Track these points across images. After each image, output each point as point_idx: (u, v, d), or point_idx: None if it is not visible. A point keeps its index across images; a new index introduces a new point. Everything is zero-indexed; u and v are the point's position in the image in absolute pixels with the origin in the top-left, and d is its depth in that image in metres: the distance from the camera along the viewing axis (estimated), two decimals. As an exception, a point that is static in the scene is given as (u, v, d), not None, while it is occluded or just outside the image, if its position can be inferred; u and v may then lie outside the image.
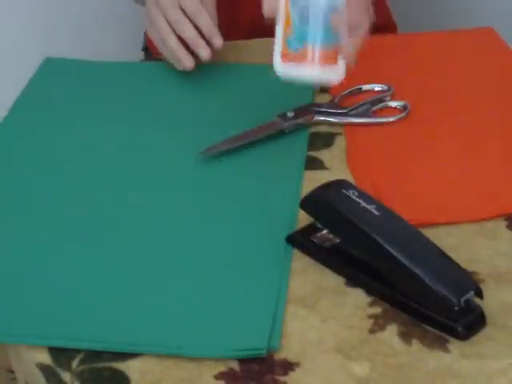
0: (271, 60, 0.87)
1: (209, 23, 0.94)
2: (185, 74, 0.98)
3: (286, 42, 0.74)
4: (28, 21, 1.54)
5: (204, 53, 0.93)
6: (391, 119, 0.92)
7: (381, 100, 0.95)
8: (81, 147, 0.88)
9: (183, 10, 0.93)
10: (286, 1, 0.74)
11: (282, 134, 0.88)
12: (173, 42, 0.94)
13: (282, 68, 0.75)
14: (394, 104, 0.94)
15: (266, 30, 0.93)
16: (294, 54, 0.74)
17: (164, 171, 0.84)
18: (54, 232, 0.75)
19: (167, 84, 1.01)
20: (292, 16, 0.73)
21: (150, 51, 1.29)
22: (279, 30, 0.75)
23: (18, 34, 1.54)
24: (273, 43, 0.76)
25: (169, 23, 0.94)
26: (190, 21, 0.93)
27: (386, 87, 0.96)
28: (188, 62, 0.94)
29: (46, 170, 0.84)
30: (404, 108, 0.93)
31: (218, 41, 0.94)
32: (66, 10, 1.57)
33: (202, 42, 0.93)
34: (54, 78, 1.02)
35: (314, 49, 0.73)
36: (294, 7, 0.73)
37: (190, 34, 0.93)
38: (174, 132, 0.90)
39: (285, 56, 0.74)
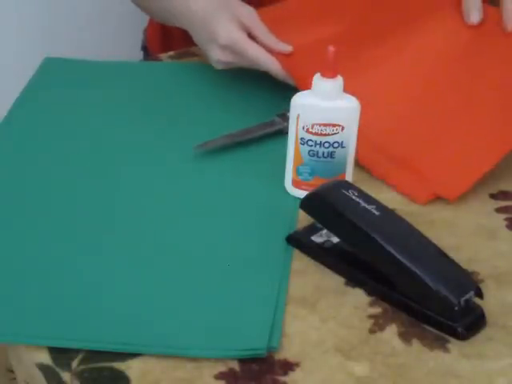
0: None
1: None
2: (184, 73, 0.98)
3: (297, 170, 0.78)
4: (28, 21, 1.54)
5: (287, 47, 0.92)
6: None
7: None
8: (80, 146, 0.88)
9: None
10: (295, 134, 0.77)
11: (281, 133, 0.88)
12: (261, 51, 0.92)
13: (294, 192, 0.80)
14: None
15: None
16: (305, 184, 0.79)
17: (164, 171, 0.84)
18: (54, 232, 0.75)
19: (166, 83, 1.01)
20: (302, 150, 0.77)
21: (148, 51, 1.29)
22: (290, 153, 0.78)
23: (17, 34, 1.54)
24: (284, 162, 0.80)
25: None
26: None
27: None
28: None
29: (45, 169, 0.84)
30: None
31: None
32: (65, 10, 1.57)
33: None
34: (54, 78, 1.02)
35: (323, 178, 0.77)
36: (303, 144, 0.77)
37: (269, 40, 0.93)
38: (173, 131, 0.91)
39: (295, 183, 0.79)
